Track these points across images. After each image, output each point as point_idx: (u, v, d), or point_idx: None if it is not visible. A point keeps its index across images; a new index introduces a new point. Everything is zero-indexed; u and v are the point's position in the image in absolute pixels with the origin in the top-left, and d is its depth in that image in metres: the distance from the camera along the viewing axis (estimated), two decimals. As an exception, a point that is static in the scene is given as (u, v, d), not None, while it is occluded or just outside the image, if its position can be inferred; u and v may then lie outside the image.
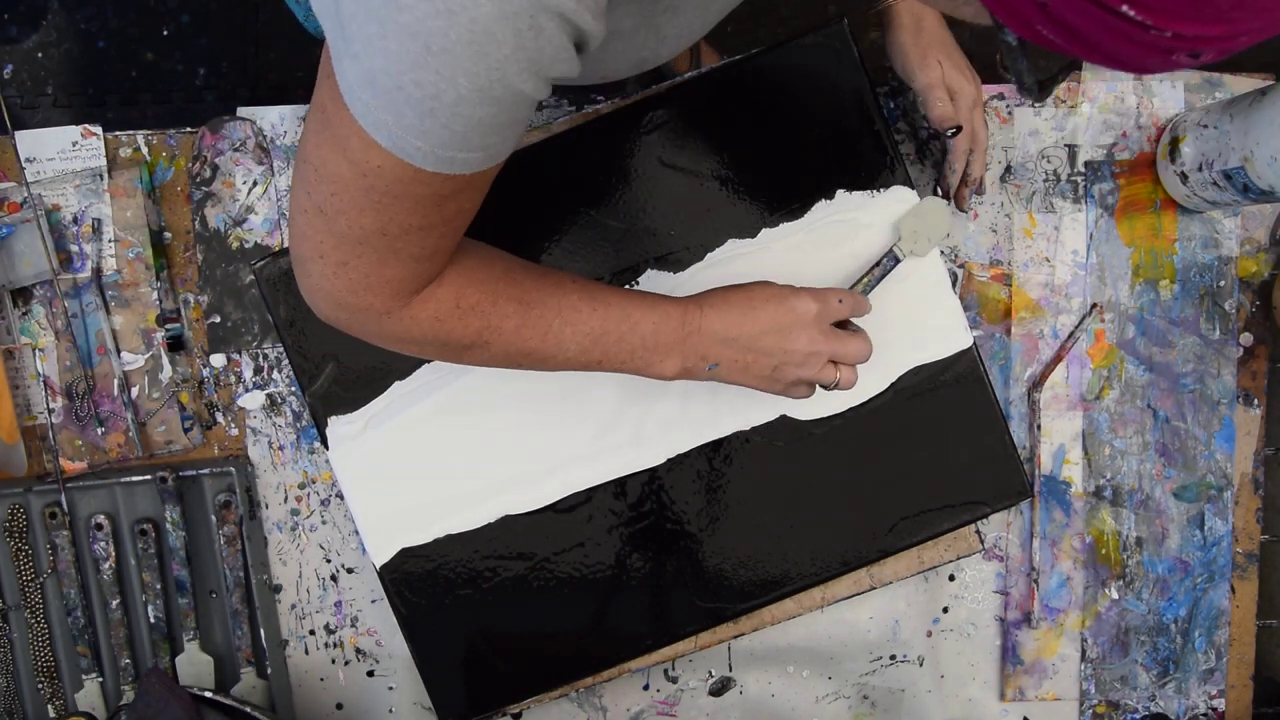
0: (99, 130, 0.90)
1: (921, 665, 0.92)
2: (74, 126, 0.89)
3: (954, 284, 0.90)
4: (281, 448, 0.91)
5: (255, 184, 0.91)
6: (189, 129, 0.91)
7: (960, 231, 0.91)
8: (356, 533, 0.89)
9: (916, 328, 0.84)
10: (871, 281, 0.80)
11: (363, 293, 0.59)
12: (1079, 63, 0.54)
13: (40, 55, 1.66)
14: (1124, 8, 0.38)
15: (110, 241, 0.89)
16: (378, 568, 0.85)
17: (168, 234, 0.91)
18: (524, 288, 0.65)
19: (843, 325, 0.74)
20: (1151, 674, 0.92)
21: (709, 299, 0.69)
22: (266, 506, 0.91)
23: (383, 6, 0.45)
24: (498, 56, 0.46)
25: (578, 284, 0.67)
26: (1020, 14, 0.42)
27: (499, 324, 0.64)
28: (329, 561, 0.92)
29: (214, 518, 0.88)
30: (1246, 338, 0.92)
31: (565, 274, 0.68)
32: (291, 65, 1.69)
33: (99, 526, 0.88)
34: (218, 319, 0.91)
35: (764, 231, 0.83)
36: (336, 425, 0.84)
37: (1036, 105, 0.91)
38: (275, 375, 0.91)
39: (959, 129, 0.83)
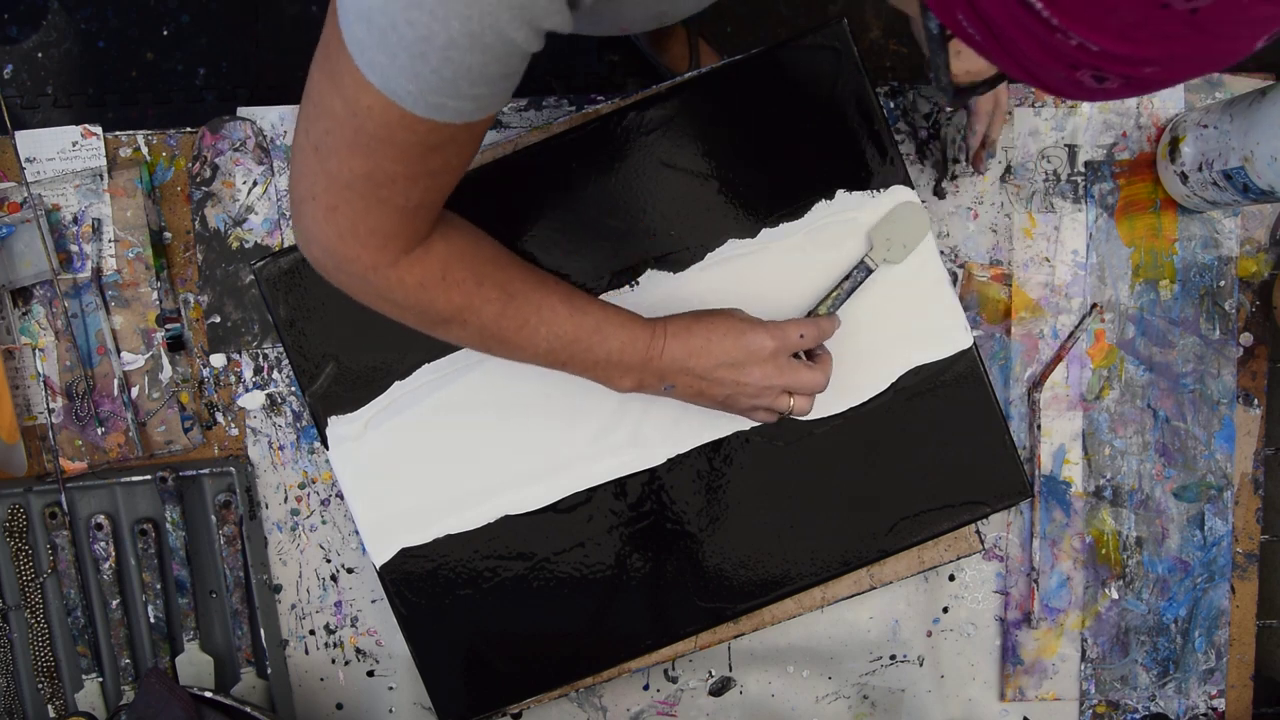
0: (99, 130, 0.90)
1: (921, 665, 0.92)
2: (74, 126, 0.89)
3: (954, 284, 0.90)
4: (281, 448, 0.91)
5: (255, 184, 0.91)
6: (189, 129, 0.91)
7: (960, 231, 0.91)
8: (356, 533, 0.89)
9: (916, 328, 0.84)
10: (841, 296, 0.81)
11: (350, 241, 0.59)
12: (1001, 76, 0.54)
13: (40, 55, 1.66)
14: None
15: (110, 241, 0.89)
16: (378, 568, 0.85)
17: (168, 234, 0.91)
18: (509, 276, 0.67)
19: (809, 352, 0.76)
20: (1151, 674, 0.92)
21: (673, 326, 0.72)
22: (266, 506, 0.91)
23: None
24: (490, 1, 0.47)
25: (560, 286, 0.70)
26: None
27: (481, 306, 0.66)
28: (329, 561, 0.92)
29: (214, 518, 0.88)
30: (1246, 338, 0.92)
31: (548, 274, 0.71)
32: (291, 65, 1.68)
33: (99, 526, 0.88)
34: (218, 319, 0.91)
35: (764, 231, 0.83)
36: (336, 425, 0.84)
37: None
38: (275, 375, 0.91)
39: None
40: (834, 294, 0.81)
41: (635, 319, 0.71)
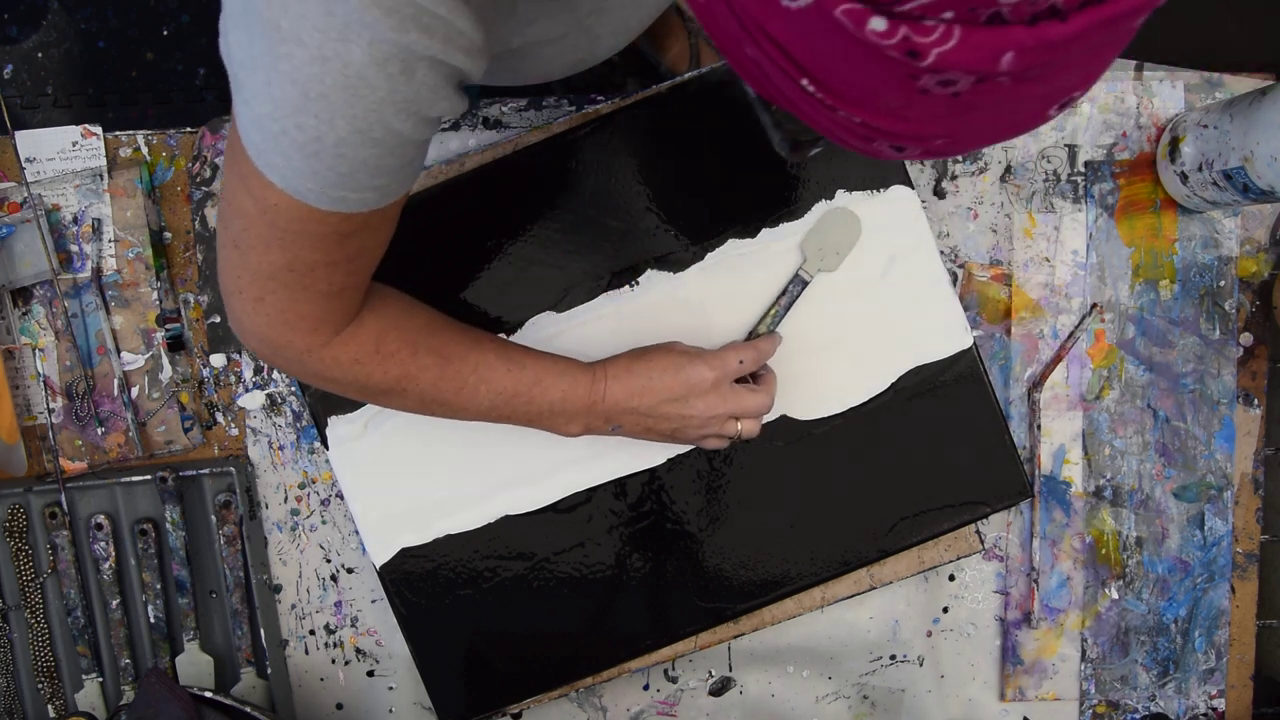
0: (99, 130, 0.90)
1: (921, 665, 0.92)
2: (74, 126, 0.89)
3: (954, 284, 0.90)
4: (281, 448, 0.91)
5: (255, 184, 0.91)
6: (189, 129, 0.91)
7: (960, 231, 0.91)
8: (356, 533, 0.89)
9: (916, 328, 0.84)
10: (780, 312, 0.82)
11: (281, 328, 0.60)
12: None
13: (40, 55, 1.66)
14: (804, 82, 0.37)
15: (110, 241, 0.89)
16: (378, 568, 0.85)
17: (168, 234, 0.91)
18: (443, 340, 0.68)
19: (753, 374, 0.77)
20: (1151, 674, 0.92)
21: (613, 368, 0.73)
22: (266, 506, 0.91)
23: (265, 55, 0.46)
24: (372, 100, 0.47)
25: (495, 344, 0.71)
26: (747, 70, 0.41)
27: (418, 374, 0.67)
28: (329, 561, 0.92)
29: (214, 518, 0.88)
30: (1246, 338, 0.92)
31: (484, 333, 0.72)
32: (291, 65, 1.68)
33: (99, 526, 0.88)
34: (218, 319, 0.91)
35: (764, 231, 0.83)
36: (336, 425, 0.84)
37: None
38: (275, 375, 0.91)
39: None
40: (772, 311, 0.81)
41: (574, 365, 0.72)
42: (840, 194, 0.83)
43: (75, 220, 0.89)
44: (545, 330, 0.84)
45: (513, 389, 0.70)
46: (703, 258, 0.83)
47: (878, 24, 0.32)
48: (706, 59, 1.49)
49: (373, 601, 0.91)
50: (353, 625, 0.92)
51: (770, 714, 0.93)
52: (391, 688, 0.92)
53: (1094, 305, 0.91)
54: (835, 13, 0.32)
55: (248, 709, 0.82)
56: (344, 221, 0.54)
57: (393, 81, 0.47)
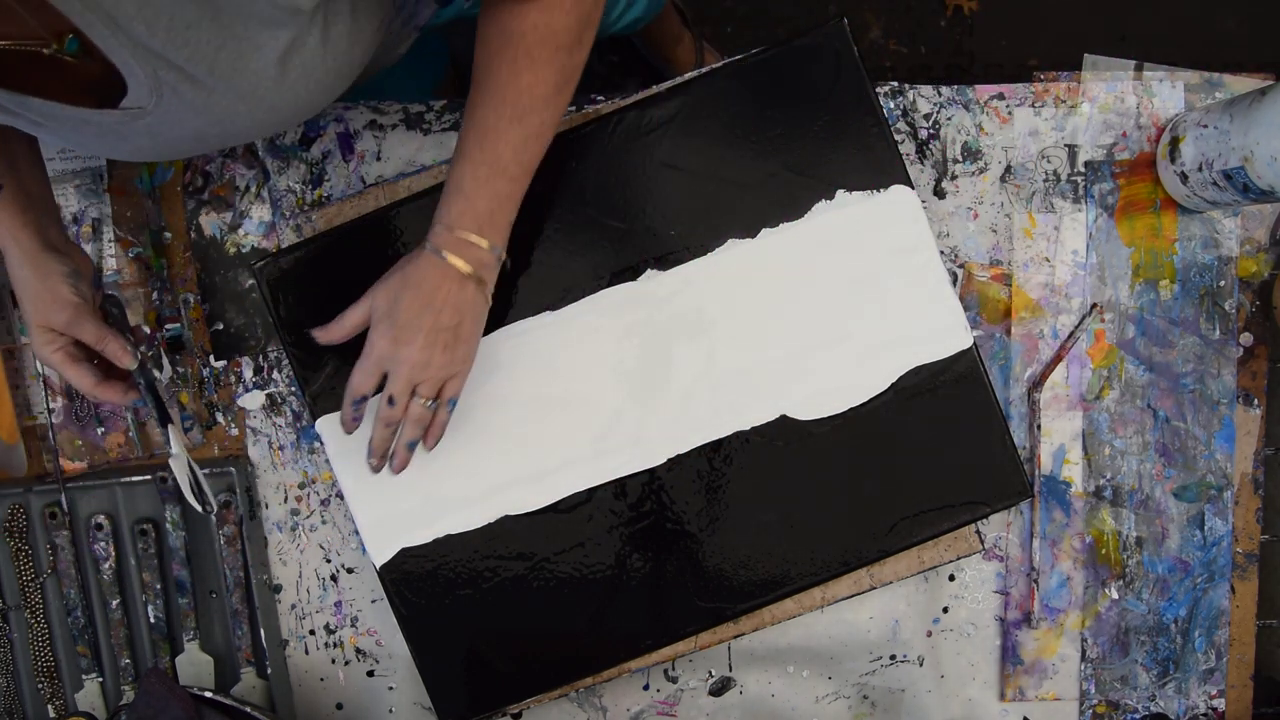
0: (99, 130, 0.90)
1: (921, 665, 0.92)
2: (74, 127, 0.89)
3: (954, 284, 0.90)
4: (281, 448, 0.91)
5: (249, 188, 0.91)
6: (189, 129, 0.91)
7: (960, 231, 0.91)
8: (356, 533, 0.89)
9: (916, 328, 0.84)
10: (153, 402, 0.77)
11: None
12: None
13: (40, 55, 1.66)
14: None
15: (110, 241, 0.89)
16: (378, 568, 0.85)
17: (167, 234, 0.91)
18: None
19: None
20: (1151, 674, 0.92)
21: None
22: (266, 506, 0.91)
23: None
24: None
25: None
26: None
27: None
28: (329, 561, 0.92)
29: (214, 518, 0.88)
30: (1246, 338, 0.92)
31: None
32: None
33: (99, 526, 0.88)
34: (220, 326, 0.91)
35: (764, 231, 0.83)
36: (327, 424, 0.84)
37: (1036, 106, 0.91)
38: (275, 375, 0.91)
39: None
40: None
41: None
42: (840, 194, 0.83)
43: (75, 220, 0.89)
44: (543, 329, 0.84)
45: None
46: (703, 258, 0.83)
47: None
48: (707, 59, 1.49)
49: (373, 601, 0.91)
50: (353, 625, 0.92)
51: (770, 714, 0.93)
52: (391, 688, 0.92)
53: (1094, 305, 0.91)
54: None
55: (248, 709, 0.82)
56: None
57: None
